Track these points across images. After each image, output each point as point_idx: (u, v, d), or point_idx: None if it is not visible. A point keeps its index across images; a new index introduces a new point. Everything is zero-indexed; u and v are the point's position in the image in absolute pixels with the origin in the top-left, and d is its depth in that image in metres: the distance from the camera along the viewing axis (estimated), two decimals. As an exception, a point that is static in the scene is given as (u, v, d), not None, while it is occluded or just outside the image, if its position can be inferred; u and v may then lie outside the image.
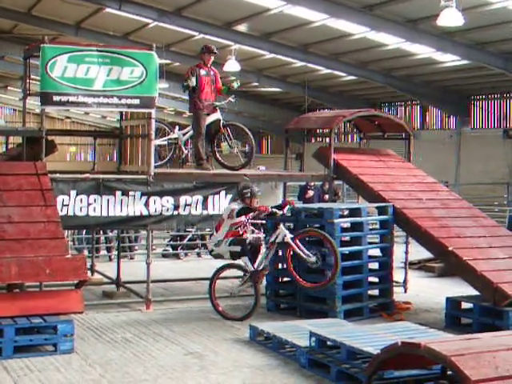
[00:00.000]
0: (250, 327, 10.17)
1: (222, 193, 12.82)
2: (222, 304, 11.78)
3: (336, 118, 13.81)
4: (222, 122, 13.12)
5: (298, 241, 11.16)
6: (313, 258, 11.01)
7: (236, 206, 11.46)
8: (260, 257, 11.39)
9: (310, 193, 19.11)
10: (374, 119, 14.72)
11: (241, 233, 11.51)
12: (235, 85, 13.39)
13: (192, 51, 30.41)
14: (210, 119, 13.14)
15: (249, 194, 11.50)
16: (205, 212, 12.72)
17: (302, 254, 11.04)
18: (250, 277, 11.46)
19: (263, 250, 11.40)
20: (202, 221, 12.97)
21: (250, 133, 13.36)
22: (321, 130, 26.68)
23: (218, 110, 13.16)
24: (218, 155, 13.44)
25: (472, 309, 10.85)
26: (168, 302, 12.80)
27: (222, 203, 12.75)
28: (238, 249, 11.36)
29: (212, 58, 13.29)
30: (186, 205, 12.54)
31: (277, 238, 11.30)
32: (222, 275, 11.93)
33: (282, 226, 11.34)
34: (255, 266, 11.36)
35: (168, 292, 13.86)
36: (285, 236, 11.17)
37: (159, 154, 13.55)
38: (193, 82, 12.91)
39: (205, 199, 12.67)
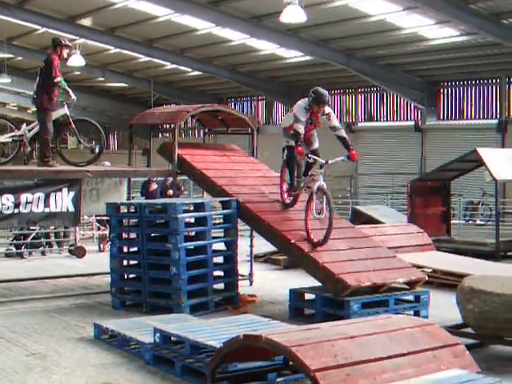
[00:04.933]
0: (95, 325, 10.02)
1: (65, 190, 12.53)
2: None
3: (180, 113, 13.84)
4: (69, 116, 12.85)
5: None
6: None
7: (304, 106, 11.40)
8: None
9: (154, 185, 19.03)
10: (218, 114, 14.79)
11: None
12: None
13: (35, 45, 29.76)
14: (56, 114, 12.85)
15: (312, 97, 11.27)
16: (47, 210, 12.42)
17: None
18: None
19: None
20: (44, 219, 12.64)
21: (100, 128, 13.17)
22: (167, 126, 26.65)
23: (65, 105, 12.88)
24: (62, 151, 13.17)
25: (314, 300, 11.07)
26: (10, 303, 12.44)
27: (64, 200, 12.50)
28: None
29: (66, 51, 13.01)
30: (26, 203, 12.19)
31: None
32: None
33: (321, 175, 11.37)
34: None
35: (11, 292, 13.48)
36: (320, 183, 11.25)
37: (2, 151, 13.16)
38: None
39: (46, 197, 12.36)
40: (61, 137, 13.19)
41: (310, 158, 11.41)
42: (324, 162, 11.31)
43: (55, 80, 12.55)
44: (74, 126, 12.89)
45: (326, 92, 11.42)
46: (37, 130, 12.99)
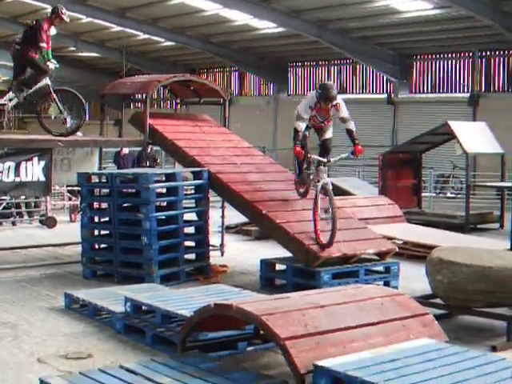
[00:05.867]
0: (66, 295, 10.00)
1: (35, 159, 12.43)
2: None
3: (151, 83, 13.77)
4: (51, 87, 12.68)
5: None
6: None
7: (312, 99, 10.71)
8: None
9: (125, 150, 18.94)
10: (190, 84, 14.72)
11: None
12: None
13: (5, 13, 29.44)
14: (38, 85, 12.68)
15: (319, 93, 10.58)
16: (17, 179, 12.32)
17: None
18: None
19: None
20: (15, 188, 12.56)
21: (82, 98, 12.97)
22: (139, 96, 26.47)
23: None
24: (43, 121, 13.03)
25: (285, 270, 11.11)
26: (-20, 273, 12.40)
27: (35, 170, 12.42)
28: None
29: (60, 23, 12.78)
30: (-4, 172, 12.13)
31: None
32: None
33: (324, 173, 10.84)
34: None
35: (-19, 262, 13.42)
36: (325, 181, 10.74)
37: None
38: None
39: (17, 166, 12.26)
40: (43, 106, 12.97)
41: (309, 158, 10.94)
42: (326, 160, 10.86)
43: (40, 44, 12.29)
44: (54, 95, 12.69)
45: (332, 86, 10.88)
46: (17, 101, 12.81)
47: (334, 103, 10.72)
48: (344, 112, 10.82)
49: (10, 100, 12.82)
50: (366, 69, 31.01)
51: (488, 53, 27.59)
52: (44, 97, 12.79)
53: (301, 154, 10.72)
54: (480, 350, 7.38)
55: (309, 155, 10.91)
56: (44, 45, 12.35)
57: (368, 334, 6.65)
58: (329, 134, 11.14)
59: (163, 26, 29.78)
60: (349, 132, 10.86)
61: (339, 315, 6.77)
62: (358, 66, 31.30)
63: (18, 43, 12.63)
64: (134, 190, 11.84)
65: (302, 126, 10.68)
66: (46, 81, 12.67)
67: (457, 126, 18.06)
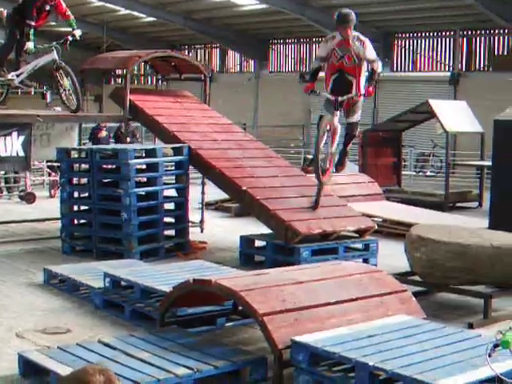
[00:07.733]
0: (44, 270, 9.97)
1: (14, 134, 12.33)
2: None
3: (132, 58, 13.71)
4: (57, 62, 12.40)
5: None
6: None
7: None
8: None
9: (103, 133, 18.83)
10: (171, 60, 14.66)
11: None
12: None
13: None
14: (44, 60, 12.53)
15: (336, 21, 10.32)
16: (-4, 154, 12.28)
17: None
18: None
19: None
20: (-6, 163, 12.52)
21: (73, 74, 12.74)
22: (120, 72, 26.35)
23: (54, 50, 12.49)
24: (63, 96, 12.86)
25: (265, 246, 11.14)
26: (-41, 248, 12.34)
27: (14, 145, 12.33)
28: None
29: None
30: (-25, 147, 12.05)
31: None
32: None
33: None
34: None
35: (-41, 237, 13.35)
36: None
37: None
38: None
39: (-4, 141, 12.22)
40: (57, 81, 12.80)
41: (318, 93, 10.52)
42: (333, 99, 10.43)
43: (27, 21, 12.03)
44: (56, 72, 12.49)
45: (350, 11, 10.48)
46: (25, 75, 12.66)
47: (362, 39, 10.45)
48: (370, 53, 10.51)
49: (18, 76, 12.62)
50: (347, 46, 30.94)
51: (469, 32, 27.60)
52: (51, 73, 12.58)
53: (308, 89, 10.54)
54: (457, 326, 7.44)
55: (318, 91, 10.60)
56: (32, 23, 12.07)
57: (346, 310, 6.69)
58: (356, 117, 10.89)
59: (144, 2, 29.62)
60: (372, 72, 10.57)
61: (318, 291, 6.80)
62: (339, 44, 31.23)
63: (14, 9, 12.41)
64: (113, 166, 11.79)
65: (314, 64, 10.82)
66: (53, 56, 12.45)
67: (437, 105, 18.10)
